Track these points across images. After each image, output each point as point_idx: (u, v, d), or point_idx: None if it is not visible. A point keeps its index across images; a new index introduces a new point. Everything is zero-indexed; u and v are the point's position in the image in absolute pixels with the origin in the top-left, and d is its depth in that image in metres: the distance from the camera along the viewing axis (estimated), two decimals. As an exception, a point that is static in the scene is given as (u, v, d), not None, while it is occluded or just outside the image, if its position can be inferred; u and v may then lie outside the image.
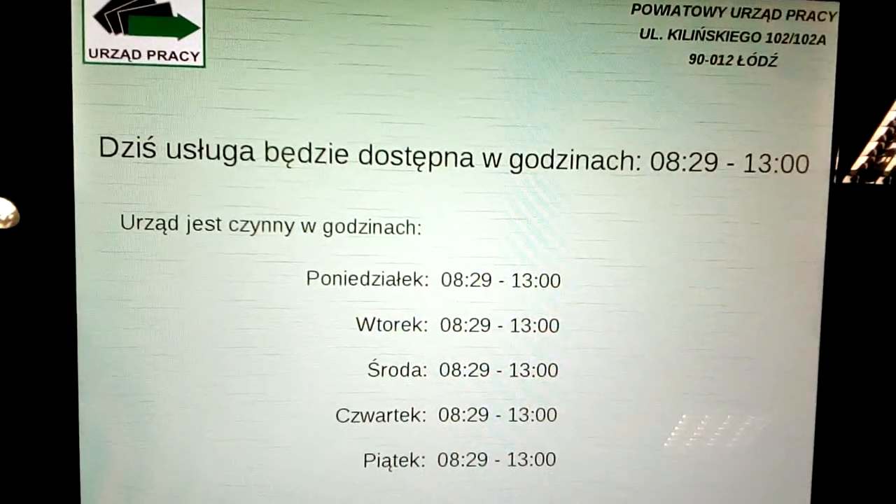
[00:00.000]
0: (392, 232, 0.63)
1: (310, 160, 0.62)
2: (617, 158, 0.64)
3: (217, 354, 0.63)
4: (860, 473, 0.73)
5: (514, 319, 0.65)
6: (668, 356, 0.67)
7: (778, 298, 0.67)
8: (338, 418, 0.65)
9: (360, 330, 0.64)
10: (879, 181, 0.69)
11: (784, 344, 0.68)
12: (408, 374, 0.65)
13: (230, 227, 0.62)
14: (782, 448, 0.69)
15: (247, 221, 0.62)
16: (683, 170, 0.65)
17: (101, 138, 0.60)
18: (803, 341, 0.68)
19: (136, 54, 0.60)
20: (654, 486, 0.69)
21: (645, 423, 0.68)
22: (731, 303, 0.67)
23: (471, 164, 0.63)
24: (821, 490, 0.70)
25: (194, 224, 0.61)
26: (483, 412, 0.66)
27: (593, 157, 0.64)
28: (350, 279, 0.63)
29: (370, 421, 0.65)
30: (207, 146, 0.61)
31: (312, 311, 0.63)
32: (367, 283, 0.63)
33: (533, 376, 0.66)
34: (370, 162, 0.62)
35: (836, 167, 0.67)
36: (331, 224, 0.62)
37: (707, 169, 0.65)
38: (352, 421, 0.65)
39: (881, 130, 0.69)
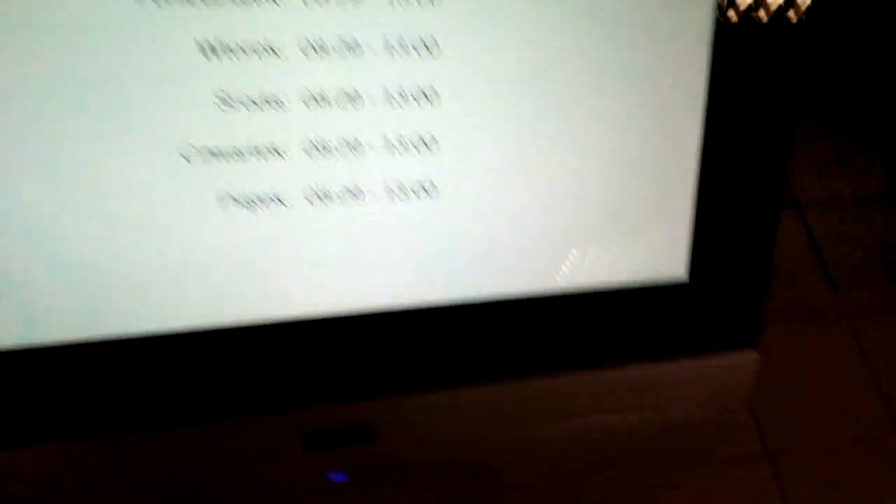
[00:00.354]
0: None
1: None
2: None
3: (30, 89, 0.53)
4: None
5: (384, 35, 0.56)
6: (556, 81, 0.60)
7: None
8: (183, 156, 0.57)
9: (205, 56, 0.54)
10: None
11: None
12: (264, 105, 0.56)
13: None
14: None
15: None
16: None
17: None
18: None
19: None
20: (540, 213, 0.65)
21: (530, 143, 0.62)
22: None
23: None
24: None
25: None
26: (355, 143, 0.59)
27: None
28: (187, -4, 0.52)
29: (223, 159, 0.57)
30: None
31: (143, 34, 0.53)
32: (210, 1, 0.53)
33: (410, 102, 0.58)
34: None
35: None
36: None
37: None
38: (200, 158, 0.57)
39: None
